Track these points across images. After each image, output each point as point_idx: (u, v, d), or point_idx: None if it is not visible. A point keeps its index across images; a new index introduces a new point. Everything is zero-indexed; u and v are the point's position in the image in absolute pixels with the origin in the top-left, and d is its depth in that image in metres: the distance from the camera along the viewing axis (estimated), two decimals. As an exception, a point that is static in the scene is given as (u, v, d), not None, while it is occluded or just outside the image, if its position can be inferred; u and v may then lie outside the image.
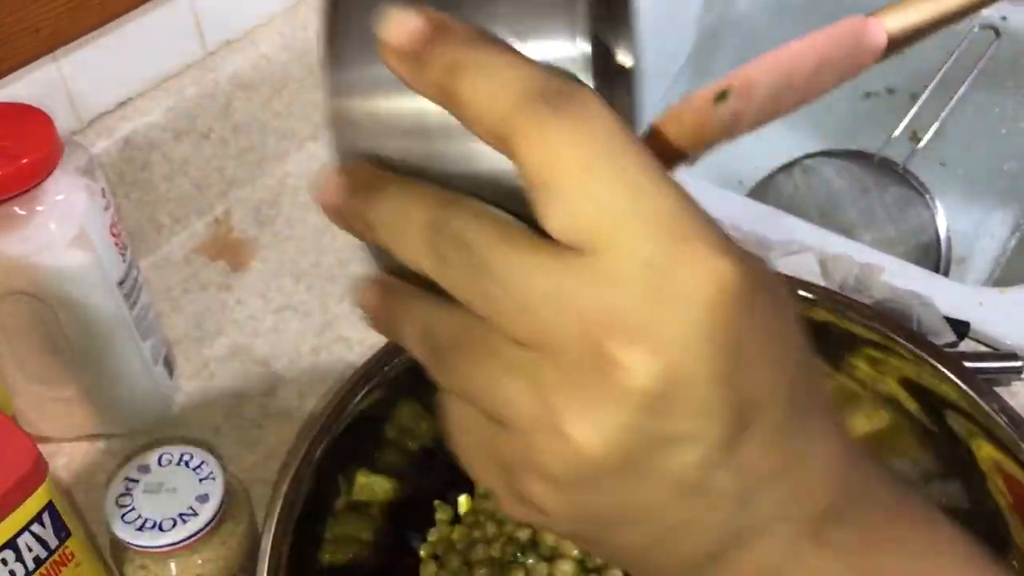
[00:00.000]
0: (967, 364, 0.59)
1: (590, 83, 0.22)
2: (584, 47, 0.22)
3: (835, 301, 0.50)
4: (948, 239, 0.84)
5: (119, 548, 0.47)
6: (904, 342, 0.48)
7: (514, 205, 0.22)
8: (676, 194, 0.21)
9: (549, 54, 0.22)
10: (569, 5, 0.22)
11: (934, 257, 0.83)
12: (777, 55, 0.31)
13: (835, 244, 0.68)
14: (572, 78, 0.22)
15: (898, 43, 0.32)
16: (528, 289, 0.21)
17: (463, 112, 0.22)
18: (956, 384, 0.46)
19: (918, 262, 0.81)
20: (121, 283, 0.53)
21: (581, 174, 0.21)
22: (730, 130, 0.31)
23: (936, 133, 0.85)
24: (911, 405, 0.48)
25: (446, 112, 0.22)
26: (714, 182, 0.74)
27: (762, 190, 0.90)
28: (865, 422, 0.50)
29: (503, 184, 0.22)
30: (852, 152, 0.88)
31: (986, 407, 0.45)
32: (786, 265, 0.65)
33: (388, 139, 0.24)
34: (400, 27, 0.22)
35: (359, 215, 0.24)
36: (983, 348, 0.63)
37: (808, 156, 0.89)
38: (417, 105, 0.23)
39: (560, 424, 0.21)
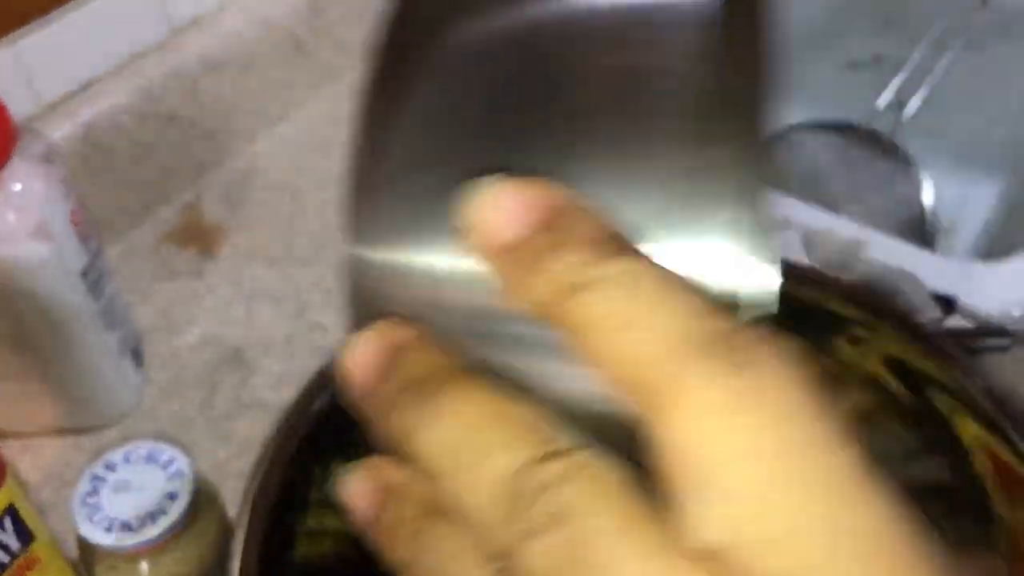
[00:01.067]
0: (952, 340, 0.58)
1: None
2: (773, 271, 0.15)
3: (818, 280, 0.49)
4: (934, 210, 0.83)
5: (88, 549, 0.45)
6: (887, 320, 0.47)
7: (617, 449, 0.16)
8: (892, 508, 0.15)
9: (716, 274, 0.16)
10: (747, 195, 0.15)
11: (920, 229, 0.82)
12: None
13: (819, 219, 0.67)
14: (751, 318, 0.16)
15: None
16: None
17: (579, 340, 0.15)
18: (939, 362, 0.45)
19: (904, 234, 0.80)
20: (85, 274, 0.52)
21: (763, 478, 0.14)
22: None
23: (922, 103, 0.84)
24: (894, 384, 0.48)
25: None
26: (696, 156, 0.72)
27: (746, 163, 0.88)
28: (846, 400, 0.50)
29: (613, 425, 0.16)
30: (837, 123, 0.86)
31: (969, 384, 0.44)
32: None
33: (445, 317, 0.17)
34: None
35: (395, 413, 0.17)
36: (969, 323, 0.62)
37: (793, 128, 0.88)
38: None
39: None
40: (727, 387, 0.15)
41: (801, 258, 0.63)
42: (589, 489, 0.15)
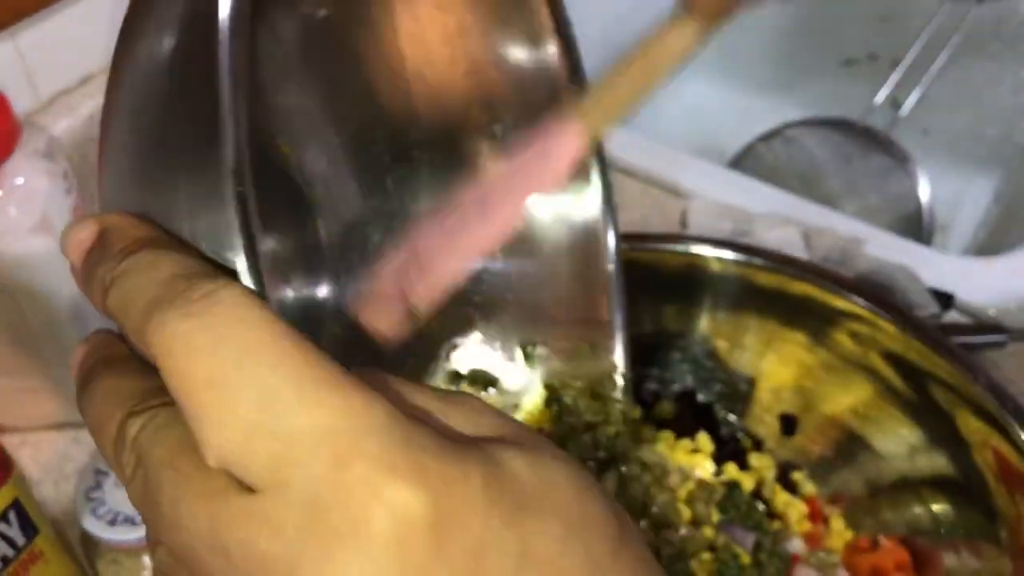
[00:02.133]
0: (951, 336, 0.59)
1: (248, 279, 0.20)
2: (237, 241, 0.20)
3: (819, 275, 0.49)
4: (931, 207, 0.83)
5: (90, 543, 0.45)
6: (887, 316, 0.47)
7: None
8: (331, 398, 0.18)
9: (213, 248, 0.21)
10: (223, 198, 0.21)
11: (916, 225, 0.83)
12: None
13: (817, 215, 0.67)
14: (225, 273, 0.20)
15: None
16: (190, 532, 0.18)
17: (120, 326, 0.20)
18: (940, 358, 0.45)
19: (901, 231, 0.80)
20: (86, 268, 0.51)
21: (210, 396, 0.18)
22: None
23: (918, 100, 0.85)
24: (895, 379, 0.48)
25: None
26: (694, 152, 0.72)
27: (743, 160, 0.89)
28: (848, 396, 0.50)
29: None
30: (834, 120, 0.87)
31: (970, 380, 0.44)
32: (770, 239, 0.64)
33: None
34: (71, 248, 0.21)
35: (81, 400, 0.22)
36: (967, 319, 0.62)
37: (789, 125, 0.88)
38: None
39: None
40: (183, 329, 0.18)
41: (800, 254, 0.63)
42: (148, 437, 0.19)
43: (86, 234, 0.21)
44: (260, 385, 0.17)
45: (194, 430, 0.18)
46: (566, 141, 0.30)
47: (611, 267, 0.37)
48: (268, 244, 0.29)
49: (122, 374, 0.21)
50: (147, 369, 0.20)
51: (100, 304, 0.21)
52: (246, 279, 0.20)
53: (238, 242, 0.20)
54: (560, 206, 0.37)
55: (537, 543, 0.18)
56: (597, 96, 0.31)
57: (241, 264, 0.20)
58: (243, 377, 0.17)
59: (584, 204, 0.37)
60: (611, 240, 0.38)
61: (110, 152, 0.24)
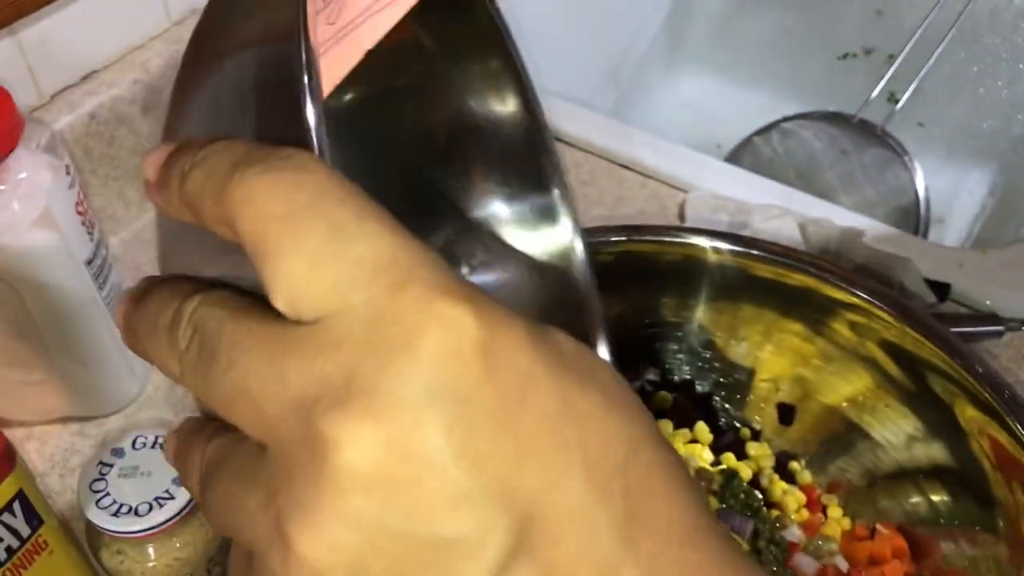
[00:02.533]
0: (949, 327, 0.59)
1: (316, 150, 0.21)
2: (309, 119, 0.21)
3: (816, 266, 0.49)
4: (927, 199, 0.84)
5: (95, 534, 0.46)
6: (885, 306, 0.47)
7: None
8: (391, 235, 0.19)
9: (279, 138, 0.21)
10: (293, 91, 0.21)
11: (913, 218, 0.83)
12: None
13: (815, 207, 0.68)
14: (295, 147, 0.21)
15: None
16: (248, 371, 0.18)
17: (197, 212, 0.20)
18: (937, 348, 0.46)
19: (897, 223, 0.81)
20: (89, 262, 0.52)
21: (283, 229, 0.18)
22: None
23: (914, 93, 0.85)
24: (892, 368, 0.48)
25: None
26: (692, 146, 0.73)
27: (740, 154, 0.89)
28: (846, 385, 0.50)
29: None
30: (830, 114, 0.87)
31: (967, 370, 0.45)
32: (766, 230, 0.65)
33: (179, 256, 0.24)
34: (150, 163, 0.21)
35: (130, 327, 0.22)
36: (964, 310, 0.63)
37: (786, 119, 0.88)
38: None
39: (286, 537, 0.18)
40: (261, 184, 0.19)
41: (797, 245, 0.63)
42: (207, 307, 0.20)
43: (163, 150, 0.22)
44: (328, 219, 0.18)
45: (264, 270, 0.18)
46: None
47: (588, 287, 0.37)
48: None
49: (172, 283, 0.21)
50: (194, 280, 0.21)
51: (176, 196, 0.21)
52: (315, 147, 0.21)
53: (309, 118, 0.21)
54: (528, 239, 0.37)
55: (578, 399, 0.19)
56: None
57: (311, 138, 0.21)
58: (314, 212, 0.18)
59: (553, 234, 0.37)
60: (583, 265, 0.37)
61: (184, 105, 0.25)
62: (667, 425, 0.51)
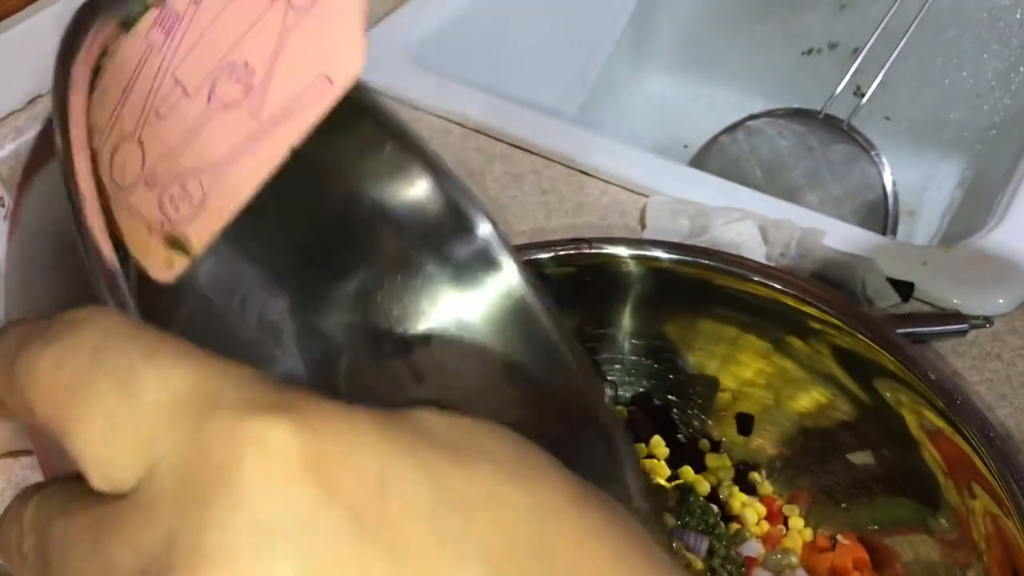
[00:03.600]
0: (911, 327, 0.58)
1: (104, 292, 0.20)
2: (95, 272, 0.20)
3: (768, 275, 0.49)
4: (895, 194, 0.83)
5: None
6: (836, 313, 0.47)
7: None
8: (187, 364, 0.17)
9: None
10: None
11: (881, 213, 0.82)
12: None
13: (777, 209, 0.67)
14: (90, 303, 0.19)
15: None
16: (79, 568, 0.16)
17: (4, 409, 0.19)
18: (886, 353, 0.45)
19: (865, 219, 0.80)
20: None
21: (71, 399, 0.17)
22: None
23: (880, 86, 0.84)
24: (845, 377, 0.48)
25: None
26: (658, 146, 0.72)
27: (708, 153, 0.88)
28: (803, 395, 0.50)
29: None
30: (796, 111, 0.86)
31: (916, 375, 0.44)
32: (727, 233, 0.64)
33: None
34: None
35: None
36: (928, 308, 0.62)
37: (752, 117, 0.88)
38: None
39: None
40: (44, 354, 0.17)
41: (759, 248, 0.63)
42: (41, 509, 0.18)
43: None
44: (115, 370, 0.17)
45: (70, 449, 0.17)
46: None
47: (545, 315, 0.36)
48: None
49: (22, 493, 0.20)
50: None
51: None
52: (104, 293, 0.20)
53: (96, 272, 0.20)
54: (474, 282, 0.36)
55: (457, 480, 0.16)
56: None
57: (99, 288, 0.20)
58: (99, 369, 0.17)
59: (495, 273, 0.36)
60: (534, 296, 0.36)
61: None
62: (624, 440, 0.50)
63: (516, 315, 0.36)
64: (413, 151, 0.33)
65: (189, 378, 0.16)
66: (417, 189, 0.34)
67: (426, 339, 0.36)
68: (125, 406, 0.16)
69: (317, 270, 0.34)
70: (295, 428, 0.15)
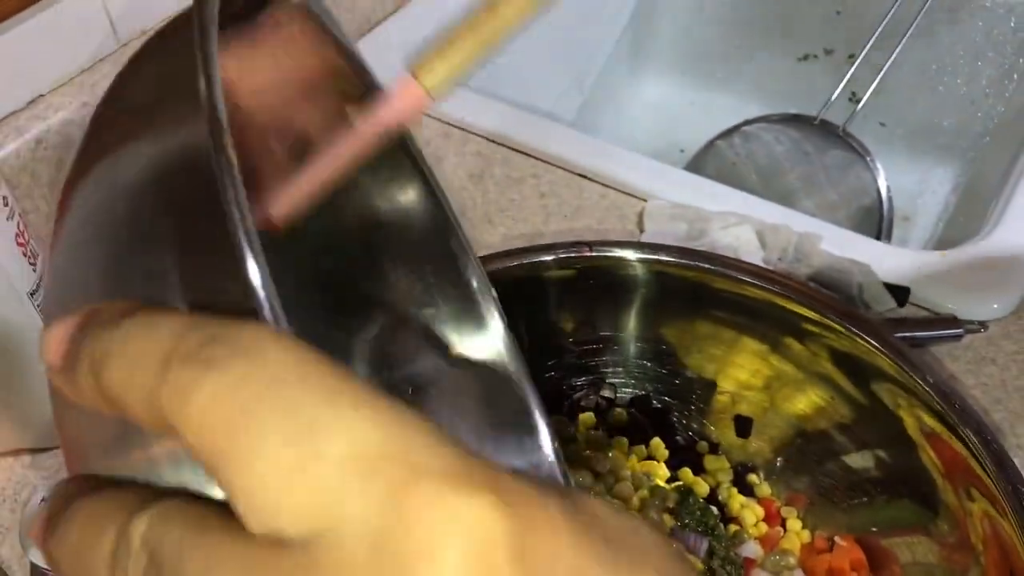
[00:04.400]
0: (907, 331, 0.59)
1: (266, 312, 0.17)
2: (253, 271, 0.17)
3: (766, 279, 0.49)
4: (890, 200, 0.84)
5: (39, 574, 0.45)
6: (836, 317, 0.47)
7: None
8: (375, 417, 0.16)
9: (217, 298, 0.18)
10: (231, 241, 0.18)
11: (876, 219, 0.83)
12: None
13: (774, 213, 0.67)
14: (238, 316, 0.17)
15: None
16: None
17: (120, 407, 0.17)
18: (885, 356, 0.45)
19: (860, 224, 0.81)
20: (32, 293, 0.51)
21: (239, 435, 0.15)
22: None
23: (875, 92, 0.85)
24: (844, 380, 0.48)
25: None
26: (655, 151, 0.73)
27: (703, 158, 0.89)
28: (802, 397, 0.50)
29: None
30: (791, 116, 0.87)
31: (914, 378, 0.44)
32: (725, 237, 0.64)
33: (99, 460, 0.20)
34: (51, 341, 0.18)
35: (52, 559, 0.19)
36: (924, 313, 0.62)
37: (748, 122, 0.88)
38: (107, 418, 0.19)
39: None
40: (204, 382, 0.16)
41: (756, 252, 0.63)
42: (162, 526, 0.17)
43: (68, 325, 0.18)
44: (294, 411, 0.15)
45: (227, 486, 0.16)
46: (407, 94, 0.29)
47: (520, 375, 0.37)
48: None
49: (106, 495, 0.18)
50: (133, 486, 0.18)
51: (90, 387, 0.18)
52: (266, 314, 0.17)
53: (254, 275, 0.17)
54: (458, 327, 0.37)
55: None
56: (438, 52, 0.30)
57: (258, 301, 0.17)
58: (274, 405, 0.15)
59: (479, 322, 0.37)
60: (513, 353, 0.37)
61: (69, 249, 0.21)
62: (623, 442, 0.50)
63: (493, 364, 0.37)
64: (422, 183, 0.34)
65: (377, 432, 0.16)
66: (421, 226, 0.35)
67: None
68: (308, 452, 0.15)
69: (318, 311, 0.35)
70: (501, 510, 0.15)
